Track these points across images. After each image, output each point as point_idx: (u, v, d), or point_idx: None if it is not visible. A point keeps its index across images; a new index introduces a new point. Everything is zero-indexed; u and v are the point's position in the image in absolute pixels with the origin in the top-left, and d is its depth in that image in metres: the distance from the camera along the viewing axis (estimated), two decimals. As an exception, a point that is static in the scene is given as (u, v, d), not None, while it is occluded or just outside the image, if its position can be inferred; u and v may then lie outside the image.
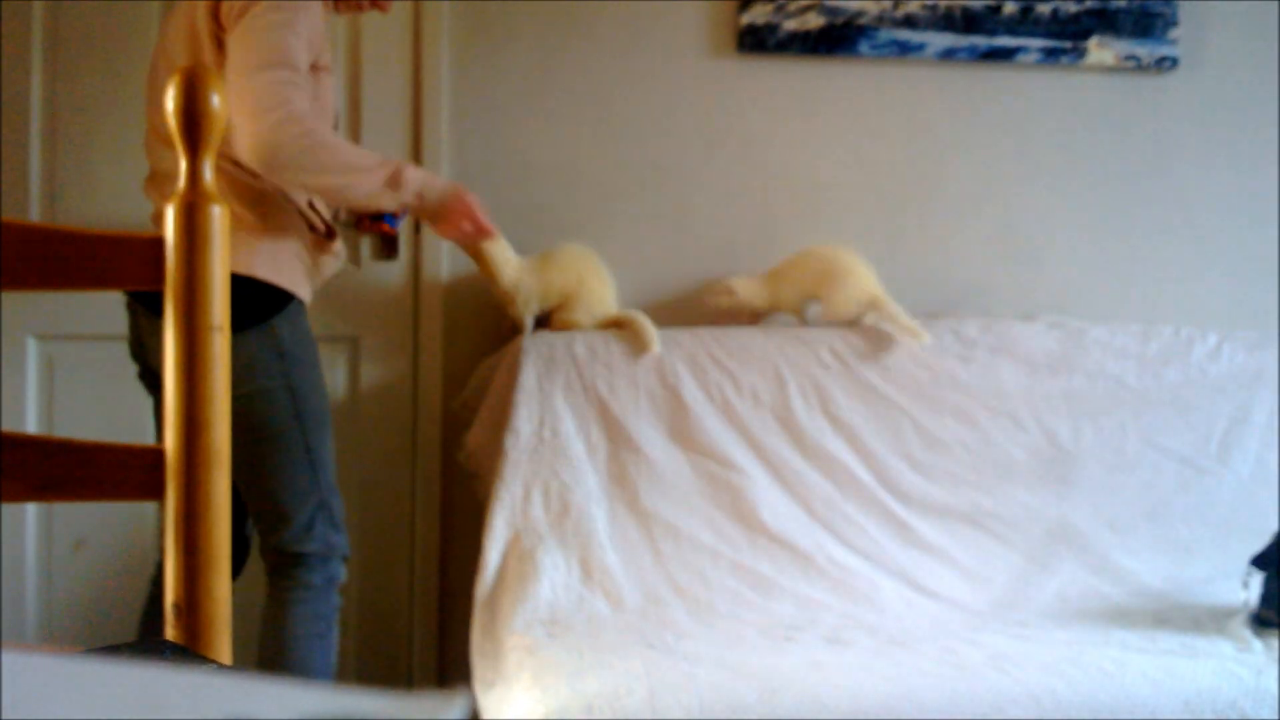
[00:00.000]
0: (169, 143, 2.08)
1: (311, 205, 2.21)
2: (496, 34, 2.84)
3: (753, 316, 2.80)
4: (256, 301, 2.08)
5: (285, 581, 2.16)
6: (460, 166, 2.84)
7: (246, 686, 0.48)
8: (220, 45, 2.04)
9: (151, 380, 2.24)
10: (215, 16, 2.05)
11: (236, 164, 2.09)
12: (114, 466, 1.07)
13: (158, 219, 2.18)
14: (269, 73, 1.96)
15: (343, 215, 2.61)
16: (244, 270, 2.06)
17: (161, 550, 2.26)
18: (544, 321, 2.72)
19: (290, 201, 2.17)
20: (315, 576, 2.17)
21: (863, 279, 2.72)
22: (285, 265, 2.13)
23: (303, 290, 2.17)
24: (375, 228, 2.68)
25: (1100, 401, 2.72)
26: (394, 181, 2.09)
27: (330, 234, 2.26)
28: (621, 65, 2.89)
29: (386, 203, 2.15)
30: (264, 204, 2.12)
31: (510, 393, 2.54)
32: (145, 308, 2.13)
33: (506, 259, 2.60)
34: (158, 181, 2.15)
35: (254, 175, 2.10)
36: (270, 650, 2.15)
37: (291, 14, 2.01)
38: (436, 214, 2.20)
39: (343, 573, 2.22)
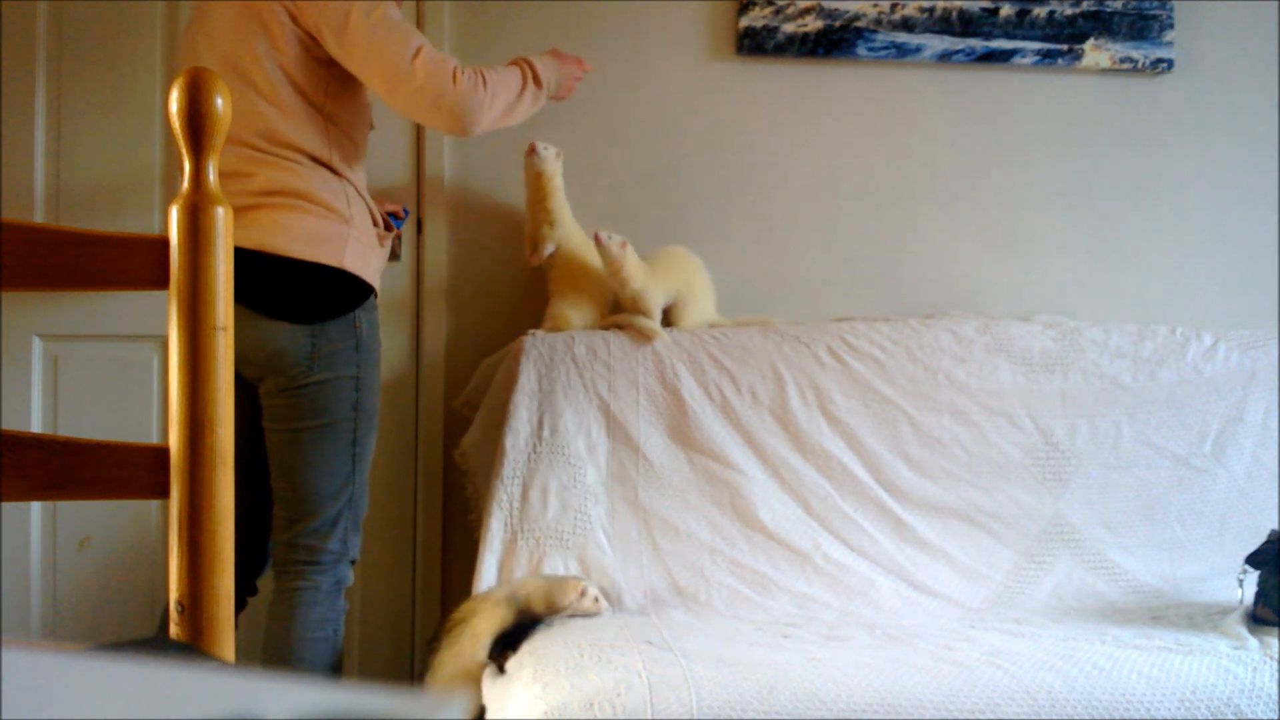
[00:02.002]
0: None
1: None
2: (497, 35, 2.85)
3: (628, 301, 2.68)
4: (344, 293, 2.16)
5: (295, 582, 2.17)
6: (460, 167, 2.85)
7: (250, 684, 0.49)
8: (305, 48, 2.11)
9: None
10: (296, 21, 2.10)
11: (317, 160, 2.14)
12: (118, 465, 1.08)
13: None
14: (418, 59, 2.08)
15: None
16: (335, 262, 2.13)
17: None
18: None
19: (362, 196, 2.23)
20: (325, 579, 2.18)
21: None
22: (368, 259, 2.21)
23: (378, 284, 2.25)
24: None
25: (1096, 401, 2.73)
26: (538, 84, 2.28)
27: (388, 227, 2.34)
28: (621, 67, 2.89)
29: (539, 106, 2.32)
30: (348, 199, 2.18)
31: (510, 392, 2.56)
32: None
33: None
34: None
35: (336, 172, 2.16)
36: (275, 651, 2.16)
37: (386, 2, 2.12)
38: (559, 89, 2.40)
39: (350, 577, 2.24)
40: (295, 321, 2.11)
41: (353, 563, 2.24)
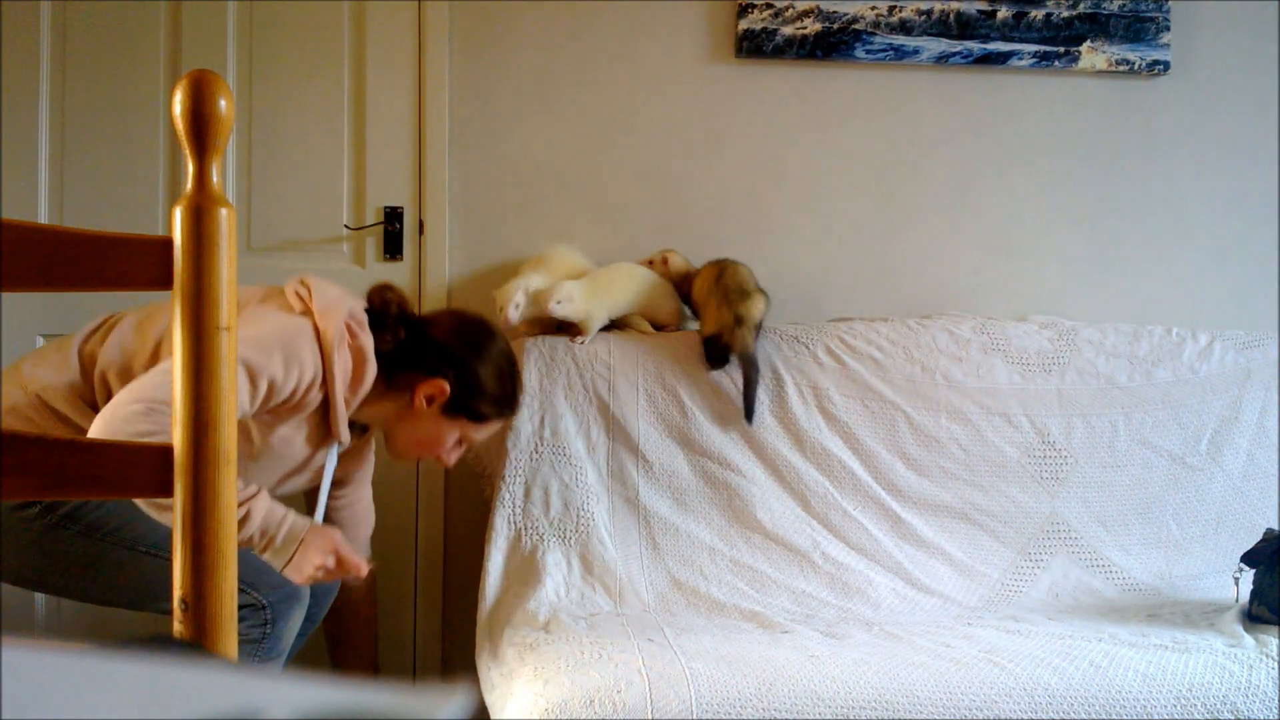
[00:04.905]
0: None
1: None
2: (498, 36, 2.87)
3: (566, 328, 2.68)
4: None
5: None
6: (460, 167, 2.86)
7: (252, 683, 0.50)
8: None
9: None
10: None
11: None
12: (123, 464, 1.09)
13: None
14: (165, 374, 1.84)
15: None
16: None
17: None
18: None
19: None
20: (244, 624, 2.03)
21: None
22: None
23: None
24: None
25: (1092, 400, 2.73)
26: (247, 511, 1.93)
27: None
28: (621, 69, 2.90)
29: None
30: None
31: (511, 393, 2.56)
32: None
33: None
34: None
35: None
36: None
37: (262, 372, 1.90)
38: (286, 564, 1.97)
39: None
40: None
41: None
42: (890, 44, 2.90)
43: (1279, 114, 3.05)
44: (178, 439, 1.05)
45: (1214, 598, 2.42)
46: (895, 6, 2.89)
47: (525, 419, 2.54)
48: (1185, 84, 3.02)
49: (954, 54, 2.92)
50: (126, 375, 1.96)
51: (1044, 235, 3.01)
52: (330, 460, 2.16)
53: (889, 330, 2.75)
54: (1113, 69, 2.96)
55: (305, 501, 2.34)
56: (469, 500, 2.79)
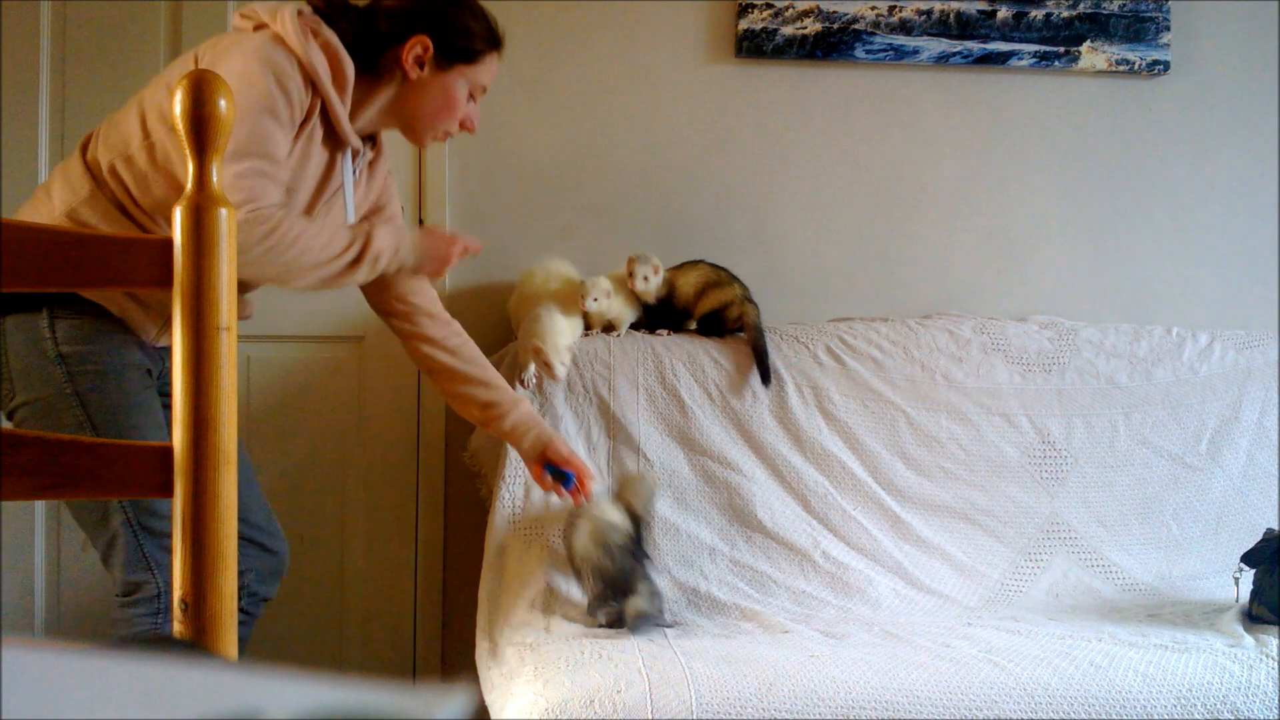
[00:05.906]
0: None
1: None
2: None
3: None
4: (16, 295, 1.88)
5: (113, 601, 2.02)
6: (459, 169, 2.86)
7: (252, 682, 0.50)
8: None
9: None
10: None
11: (114, 195, 1.91)
12: (123, 464, 1.09)
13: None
14: (236, 163, 1.79)
15: None
16: None
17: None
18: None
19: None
20: (137, 611, 2.00)
21: None
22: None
23: (111, 305, 1.93)
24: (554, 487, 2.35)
25: (1092, 400, 2.74)
26: (361, 259, 1.95)
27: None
28: (620, 69, 2.91)
29: (363, 279, 2.01)
30: (109, 225, 1.89)
31: (511, 393, 2.57)
32: None
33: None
34: None
35: (126, 211, 1.90)
36: None
37: (271, 96, 1.87)
38: (422, 265, 2.09)
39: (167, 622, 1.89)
40: None
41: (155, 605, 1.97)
42: (890, 44, 2.91)
43: (1278, 114, 3.05)
44: (177, 439, 1.05)
45: (1214, 598, 2.43)
46: (895, 6, 2.90)
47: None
48: (1185, 84, 3.02)
49: (954, 54, 2.92)
50: (129, 162, 1.87)
51: (1044, 235, 3.01)
52: (347, 174, 2.07)
53: (889, 330, 2.76)
54: (1113, 69, 2.96)
55: None
56: (469, 500, 2.79)
